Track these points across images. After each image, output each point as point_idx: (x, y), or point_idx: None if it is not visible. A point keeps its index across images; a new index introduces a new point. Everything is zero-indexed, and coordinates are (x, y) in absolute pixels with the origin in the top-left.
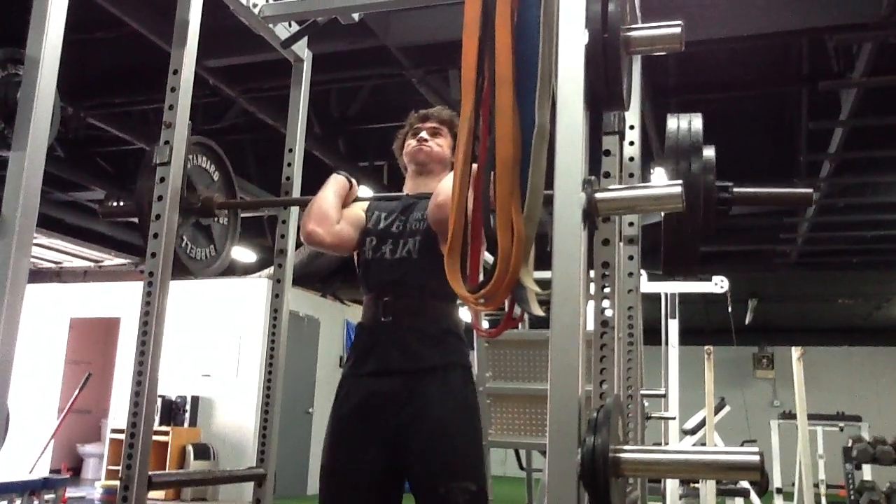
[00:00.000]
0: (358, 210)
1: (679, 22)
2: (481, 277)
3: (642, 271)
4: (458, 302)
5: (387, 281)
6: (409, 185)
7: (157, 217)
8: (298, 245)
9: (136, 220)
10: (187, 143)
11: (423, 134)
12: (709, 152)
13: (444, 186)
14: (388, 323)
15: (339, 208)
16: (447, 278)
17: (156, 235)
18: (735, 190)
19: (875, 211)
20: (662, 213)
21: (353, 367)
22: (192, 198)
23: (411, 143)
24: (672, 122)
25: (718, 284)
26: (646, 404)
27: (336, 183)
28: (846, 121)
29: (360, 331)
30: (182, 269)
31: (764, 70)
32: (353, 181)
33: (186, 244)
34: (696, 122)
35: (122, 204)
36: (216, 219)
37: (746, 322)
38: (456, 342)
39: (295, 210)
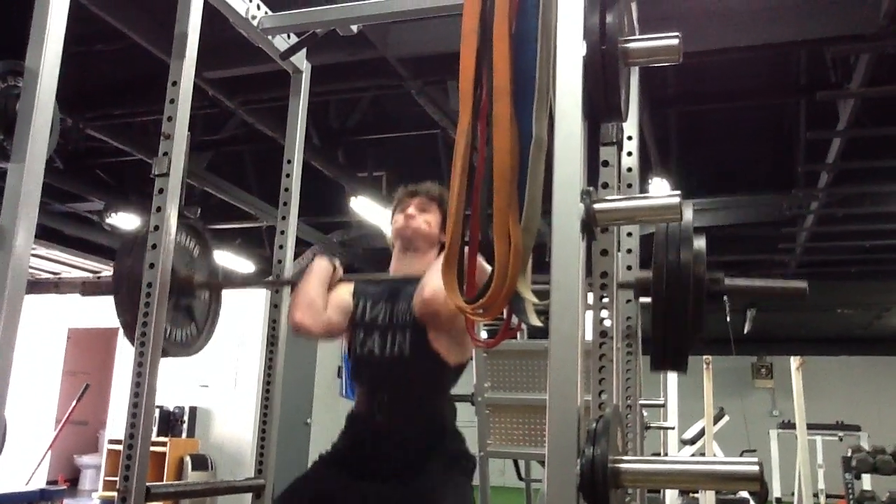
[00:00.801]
0: (345, 294)
1: (677, 33)
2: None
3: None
4: (450, 396)
5: (380, 380)
6: (395, 263)
7: (156, 228)
8: (297, 256)
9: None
10: (185, 158)
11: (411, 209)
12: (699, 242)
13: (430, 281)
14: (382, 422)
15: (325, 296)
16: (442, 375)
17: (154, 246)
18: (727, 282)
19: (874, 221)
20: (651, 307)
21: (338, 456)
22: (171, 279)
23: (398, 218)
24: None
25: None
26: (645, 414)
27: (320, 269)
28: (844, 131)
29: (352, 422)
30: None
31: (762, 81)
32: (337, 263)
33: (167, 329)
34: (686, 211)
35: (101, 278)
36: (196, 297)
37: (745, 332)
38: (452, 438)
39: (294, 219)
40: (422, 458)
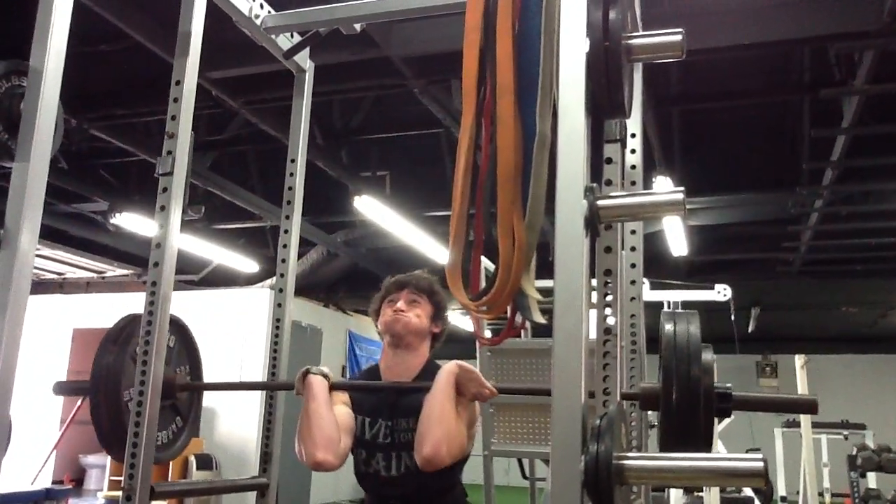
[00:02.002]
0: (346, 412)
1: (680, 30)
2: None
3: (644, 279)
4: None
5: (390, 494)
6: (387, 361)
7: (161, 227)
8: (301, 255)
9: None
10: (189, 157)
11: (400, 304)
12: (707, 356)
13: (428, 436)
14: None
15: (336, 423)
16: (450, 472)
17: (158, 245)
18: (735, 394)
19: (878, 219)
20: (661, 423)
21: None
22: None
23: (387, 311)
24: (668, 326)
25: (721, 293)
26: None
27: (322, 389)
28: (848, 128)
29: None
30: None
31: (766, 78)
32: (328, 372)
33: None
34: (693, 325)
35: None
36: (178, 398)
37: (749, 330)
38: None
39: (297, 219)
40: None
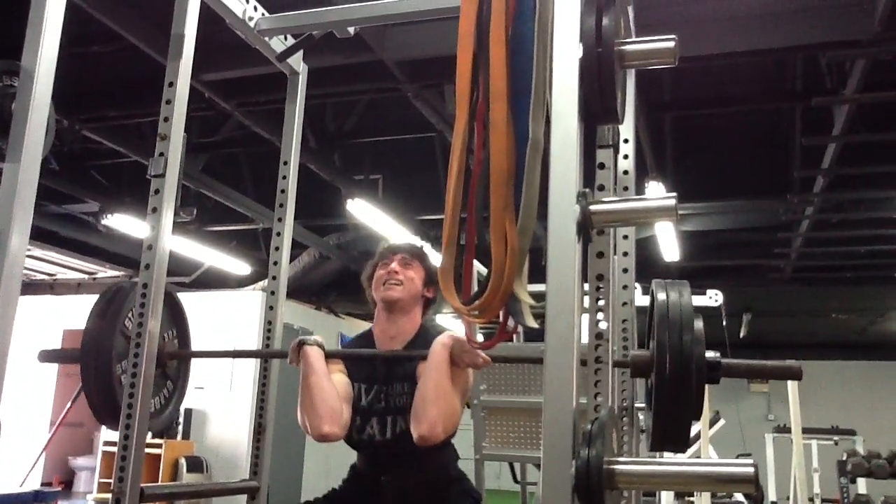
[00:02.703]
0: (345, 382)
1: (673, 36)
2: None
3: (636, 284)
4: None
5: (383, 453)
6: (380, 323)
7: (152, 228)
8: (293, 258)
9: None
10: (181, 159)
11: (394, 265)
12: (698, 324)
13: (424, 414)
14: (388, 479)
15: (338, 394)
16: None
17: (150, 247)
18: (724, 362)
19: (869, 226)
20: (653, 390)
21: (349, 493)
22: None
23: (380, 274)
24: (661, 295)
25: (713, 298)
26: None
27: (318, 359)
28: (839, 137)
29: (356, 475)
30: None
31: (758, 86)
32: (322, 342)
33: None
34: (685, 293)
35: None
36: (167, 366)
37: (741, 336)
38: (459, 484)
39: (290, 222)
40: (433, 499)
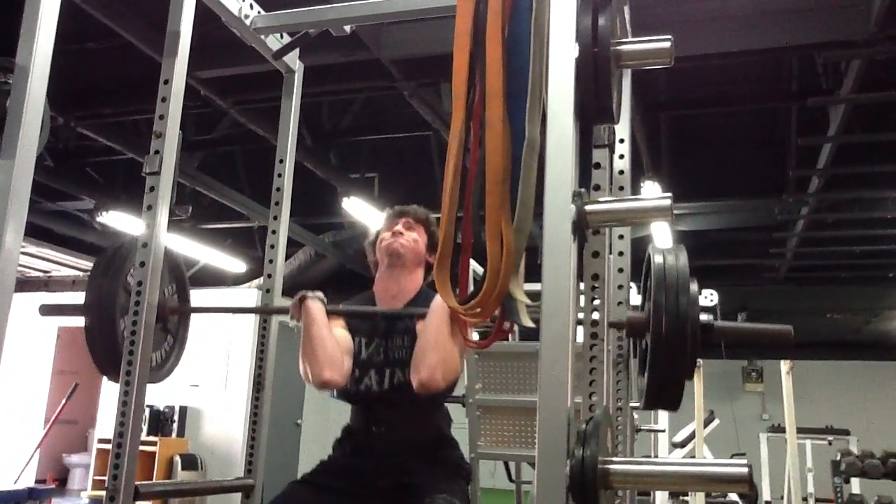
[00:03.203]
0: (345, 335)
1: (668, 37)
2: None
3: (632, 284)
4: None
5: (376, 403)
6: (382, 281)
7: (148, 226)
8: (288, 256)
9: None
10: (176, 157)
11: (399, 227)
12: (693, 287)
13: (424, 360)
14: (379, 433)
15: (338, 344)
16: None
17: (145, 245)
18: (717, 324)
19: (864, 226)
20: (648, 351)
21: (339, 469)
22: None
23: (386, 235)
24: (658, 258)
25: (708, 298)
26: (635, 417)
27: (320, 312)
28: (835, 137)
29: (349, 433)
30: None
31: (754, 86)
32: (323, 297)
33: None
34: (681, 256)
35: (67, 304)
36: (168, 320)
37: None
38: (450, 448)
39: (285, 220)
40: (420, 466)
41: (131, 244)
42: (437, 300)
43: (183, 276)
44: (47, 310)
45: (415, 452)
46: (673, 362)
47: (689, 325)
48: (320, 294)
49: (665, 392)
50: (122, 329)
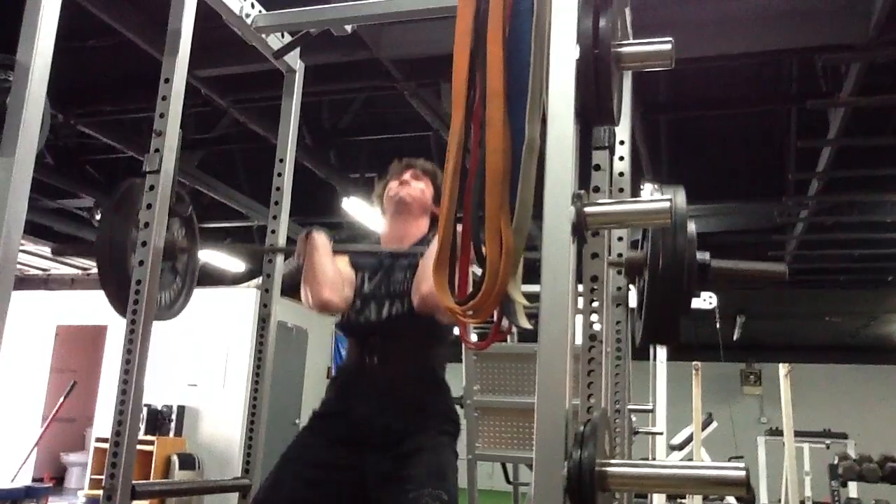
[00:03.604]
0: (347, 268)
1: (669, 39)
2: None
3: (631, 286)
4: (443, 350)
5: (373, 331)
6: (389, 228)
7: (146, 225)
8: (287, 257)
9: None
10: (176, 155)
11: (407, 177)
12: (691, 227)
13: (426, 276)
14: (373, 366)
15: (337, 268)
16: (436, 328)
17: (144, 244)
18: (713, 263)
19: (863, 229)
20: (646, 288)
21: (327, 405)
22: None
23: (393, 185)
24: (656, 195)
25: (707, 300)
26: (633, 419)
27: (325, 244)
28: (834, 140)
29: (341, 371)
30: None
31: (754, 89)
32: (328, 234)
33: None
34: (679, 196)
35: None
36: (178, 259)
37: (734, 338)
38: (441, 390)
39: (285, 219)
40: (411, 409)
41: (143, 184)
42: None
43: (192, 216)
44: (60, 250)
45: (408, 390)
46: (670, 298)
47: (685, 263)
48: (325, 231)
49: (662, 327)
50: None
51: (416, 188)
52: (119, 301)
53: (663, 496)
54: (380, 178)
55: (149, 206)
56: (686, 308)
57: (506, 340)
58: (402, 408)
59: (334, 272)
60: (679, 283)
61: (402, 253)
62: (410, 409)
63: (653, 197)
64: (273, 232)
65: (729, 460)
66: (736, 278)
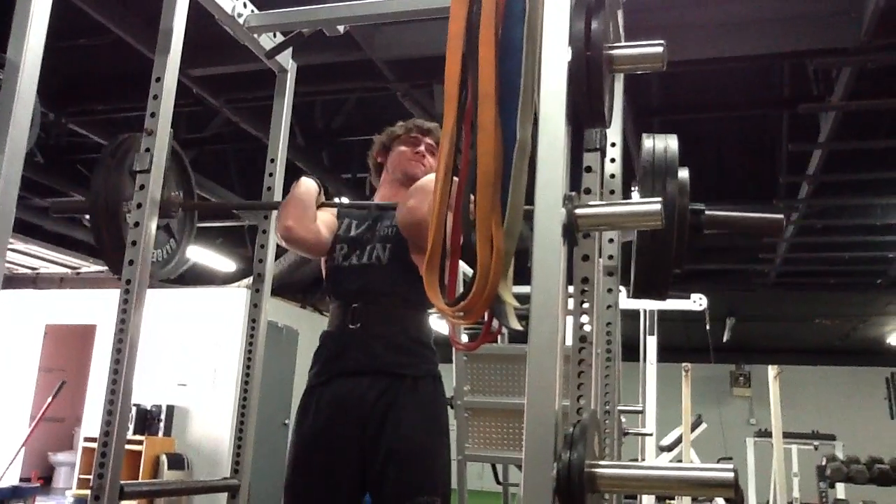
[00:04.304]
0: (329, 214)
1: (661, 41)
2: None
3: (621, 288)
4: (430, 310)
5: (355, 288)
6: (385, 193)
7: (136, 224)
8: (279, 255)
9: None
10: (167, 155)
11: (422, 149)
12: (683, 174)
13: (415, 192)
14: (355, 330)
15: (314, 208)
16: (419, 286)
17: (134, 243)
18: (707, 213)
19: (853, 233)
20: (635, 236)
21: (319, 376)
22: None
23: (407, 151)
24: (648, 143)
25: (697, 302)
26: (623, 420)
27: (308, 187)
28: (825, 143)
29: (325, 338)
30: None
31: (745, 92)
32: (321, 186)
33: None
34: (672, 143)
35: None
36: (172, 218)
37: (724, 340)
38: (426, 352)
39: (275, 222)
40: (397, 363)
41: (136, 138)
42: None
43: (189, 178)
44: (57, 208)
45: (392, 355)
46: (661, 248)
47: (675, 210)
48: (321, 185)
49: (653, 279)
50: (127, 213)
51: (430, 165)
52: (110, 252)
53: (653, 497)
54: (383, 129)
55: (139, 206)
56: (680, 262)
57: (496, 342)
58: (388, 357)
59: (308, 207)
60: (669, 230)
61: (392, 205)
62: (395, 360)
63: (644, 199)
64: (264, 232)
65: (718, 461)
66: (731, 228)
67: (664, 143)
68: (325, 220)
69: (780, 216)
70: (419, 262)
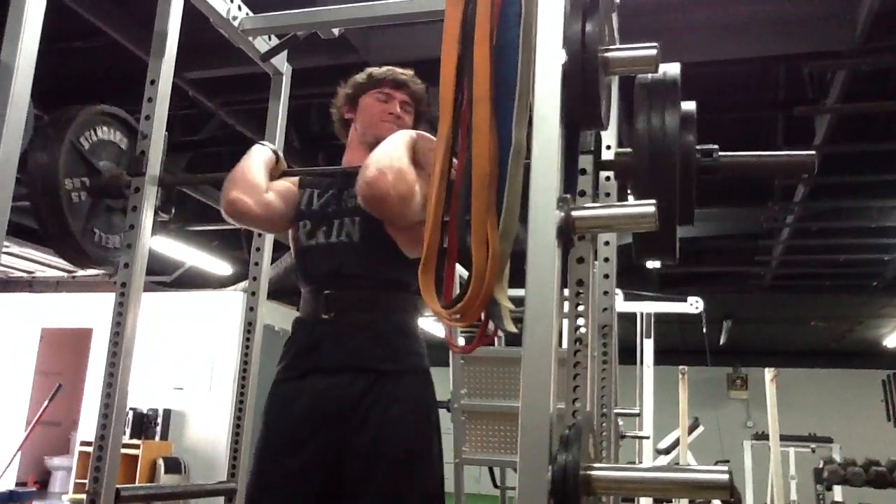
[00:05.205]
0: (289, 183)
1: (655, 44)
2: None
3: (618, 290)
4: (413, 290)
5: (325, 271)
6: (353, 156)
7: (132, 227)
8: (274, 259)
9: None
10: (162, 158)
11: (397, 108)
12: (688, 106)
13: (376, 157)
14: (329, 320)
15: (266, 178)
16: (399, 264)
17: (129, 246)
18: (720, 154)
19: (848, 235)
20: (633, 187)
21: (289, 370)
22: (95, 178)
23: (376, 109)
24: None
25: (694, 305)
26: (620, 423)
27: (260, 154)
28: (820, 146)
29: (297, 327)
30: (95, 261)
31: (740, 94)
32: (280, 154)
33: (98, 235)
34: (672, 69)
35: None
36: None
37: (721, 343)
38: (411, 343)
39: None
40: (379, 357)
41: (81, 108)
42: (399, 131)
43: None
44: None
45: (371, 341)
46: (662, 195)
47: (676, 148)
48: (280, 153)
49: (656, 237)
50: (69, 190)
51: (404, 125)
52: (56, 240)
53: (649, 500)
54: (348, 77)
55: (134, 209)
56: (687, 215)
57: (493, 344)
58: (364, 356)
59: (256, 175)
60: (671, 179)
61: (357, 169)
62: (373, 358)
63: (638, 202)
64: (260, 235)
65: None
66: (750, 171)
67: (662, 73)
68: (283, 190)
69: (812, 152)
70: (396, 236)
